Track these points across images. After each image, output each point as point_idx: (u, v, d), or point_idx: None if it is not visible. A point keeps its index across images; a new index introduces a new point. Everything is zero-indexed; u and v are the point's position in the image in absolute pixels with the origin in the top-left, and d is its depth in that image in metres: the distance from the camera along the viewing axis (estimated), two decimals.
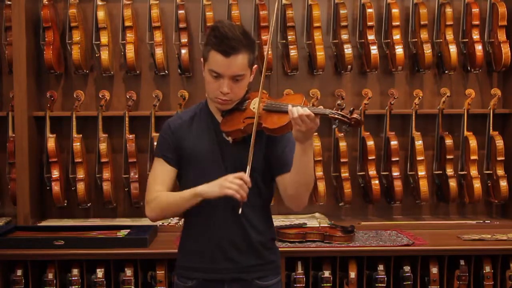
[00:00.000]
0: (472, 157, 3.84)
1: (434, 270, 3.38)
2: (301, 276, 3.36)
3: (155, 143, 2.58)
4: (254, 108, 2.27)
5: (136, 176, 3.79)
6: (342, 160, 3.84)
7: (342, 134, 3.81)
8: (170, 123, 2.42)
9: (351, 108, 2.14)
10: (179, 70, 3.86)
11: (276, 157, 2.31)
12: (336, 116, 2.11)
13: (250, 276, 2.36)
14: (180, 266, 2.44)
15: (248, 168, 2.20)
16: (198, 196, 2.25)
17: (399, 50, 3.80)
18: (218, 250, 2.33)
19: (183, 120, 2.41)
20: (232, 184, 2.16)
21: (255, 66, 2.35)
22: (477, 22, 3.83)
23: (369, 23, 3.80)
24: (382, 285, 3.36)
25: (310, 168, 2.25)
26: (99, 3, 3.79)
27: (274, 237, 2.48)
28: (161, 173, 2.37)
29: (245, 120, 2.27)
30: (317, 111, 2.12)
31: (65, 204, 3.87)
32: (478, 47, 3.80)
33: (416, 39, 3.88)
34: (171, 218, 3.78)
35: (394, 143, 3.85)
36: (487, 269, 3.38)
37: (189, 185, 2.31)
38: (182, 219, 2.51)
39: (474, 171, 3.85)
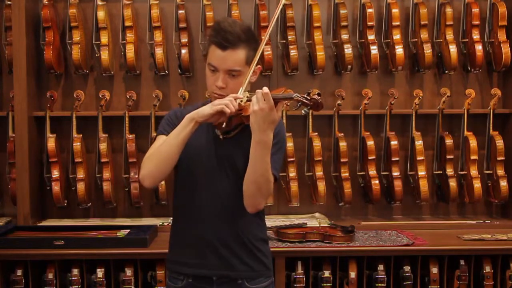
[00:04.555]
0: (472, 157, 3.84)
1: (434, 270, 3.38)
2: (301, 276, 3.35)
3: None
4: (241, 100, 2.26)
5: (136, 176, 3.78)
6: (342, 160, 3.84)
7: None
8: (177, 110, 2.45)
9: (317, 92, 2.18)
10: (179, 70, 3.86)
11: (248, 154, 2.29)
12: (299, 98, 2.16)
13: (239, 275, 2.35)
14: (170, 260, 2.46)
15: (242, 89, 2.24)
16: (192, 119, 2.22)
17: (399, 50, 3.80)
18: (205, 245, 2.33)
19: (188, 111, 2.40)
20: (223, 100, 2.18)
21: (259, 66, 2.35)
22: (477, 22, 3.83)
23: (369, 23, 3.80)
24: (382, 285, 3.36)
25: (261, 167, 2.18)
26: (99, 3, 3.79)
27: (265, 238, 2.45)
28: None
29: None
30: (283, 96, 2.19)
31: (65, 204, 3.87)
32: (478, 47, 3.80)
33: (416, 39, 3.88)
34: (171, 218, 3.78)
35: (394, 143, 3.85)
36: (487, 269, 3.38)
37: (181, 177, 2.36)
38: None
39: (474, 171, 3.85)
